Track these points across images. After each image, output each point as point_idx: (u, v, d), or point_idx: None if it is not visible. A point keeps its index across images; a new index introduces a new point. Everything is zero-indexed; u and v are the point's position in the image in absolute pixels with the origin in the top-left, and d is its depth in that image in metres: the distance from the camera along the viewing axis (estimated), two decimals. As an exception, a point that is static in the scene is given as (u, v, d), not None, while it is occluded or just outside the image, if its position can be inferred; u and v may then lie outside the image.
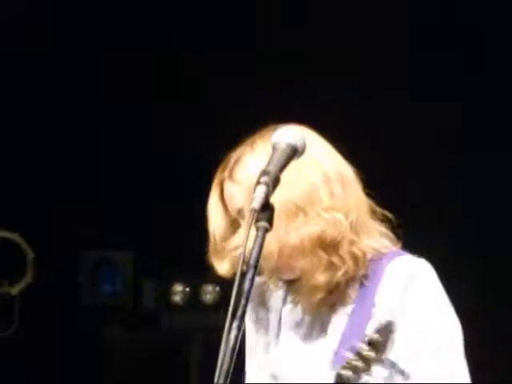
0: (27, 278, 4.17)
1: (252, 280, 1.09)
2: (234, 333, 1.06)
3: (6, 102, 4.14)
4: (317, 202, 1.29)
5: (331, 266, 1.27)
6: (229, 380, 1.06)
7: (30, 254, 4.17)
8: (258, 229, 1.11)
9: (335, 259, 1.26)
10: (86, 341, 4.20)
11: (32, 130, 4.17)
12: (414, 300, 1.27)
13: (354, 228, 1.30)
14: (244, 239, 1.08)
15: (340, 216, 1.29)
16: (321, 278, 1.28)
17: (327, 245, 1.28)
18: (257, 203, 1.10)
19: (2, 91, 4.06)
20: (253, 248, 1.10)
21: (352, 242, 1.29)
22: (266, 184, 1.12)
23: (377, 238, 1.33)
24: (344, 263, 1.28)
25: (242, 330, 1.07)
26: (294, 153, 1.18)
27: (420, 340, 1.25)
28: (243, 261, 1.08)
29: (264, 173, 1.13)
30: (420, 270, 1.30)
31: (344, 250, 1.28)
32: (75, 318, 4.22)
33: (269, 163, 1.16)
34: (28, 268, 4.18)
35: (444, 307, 1.29)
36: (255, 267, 1.10)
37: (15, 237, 4.17)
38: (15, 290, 4.18)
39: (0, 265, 4.17)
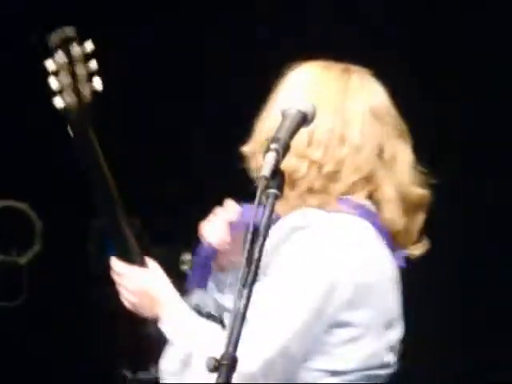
0: (35, 248, 4.19)
1: (262, 247, 1.09)
2: (243, 301, 1.06)
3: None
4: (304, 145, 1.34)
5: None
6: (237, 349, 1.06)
7: (39, 224, 4.19)
8: (268, 196, 1.11)
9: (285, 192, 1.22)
10: (94, 310, 4.23)
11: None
12: (286, 247, 1.30)
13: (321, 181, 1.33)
14: (255, 205, 1.08)
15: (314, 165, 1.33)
16: None
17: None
18: (267, 170, 1.10)
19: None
20: (263, 215, 1.10)
21: (309, 190, 1.33)
22: (277, 151, 1.12)
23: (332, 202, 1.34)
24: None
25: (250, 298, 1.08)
26: (304, 120, 1.18)
27: (266, 280, 1.27)
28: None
29: (274, 139, 1.13)
30: (307, 224, 1.31)
31: (295, 192, 1.33)
32: (84, 287, 4.25)
33: (279, 130, 1.16)
34: (36, 237, 4.20)
35: (308, 264, 1.29)
36: (265, 236, 1.10)
37: (23, 206, 4.19)
38: (23, 260, 4.21)
39: (8, 235, 4.20)
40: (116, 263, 1.47)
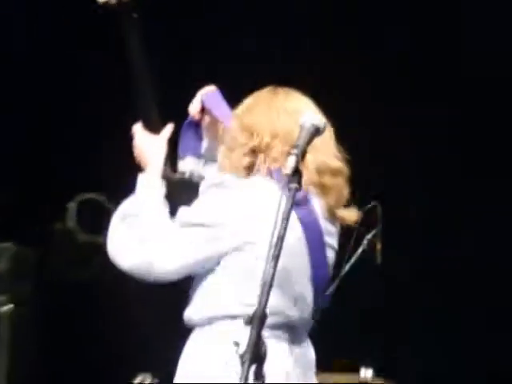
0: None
1: (285, 230, 1.43)
2: (271, 271, 1.40)
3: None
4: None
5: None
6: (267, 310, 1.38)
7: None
8: (289, 189, 1.47)
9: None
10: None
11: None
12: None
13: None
14: (279, 197, 1.46)
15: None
16: None
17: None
18: (289, 170, 1.47)
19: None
20: (286, 203, 1.45)
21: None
22: (296, 155, 1.49)
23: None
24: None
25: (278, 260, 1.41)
26: (317, 132, 1.55)
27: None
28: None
29: (295, 146, 1.50)
30: (214, 182, 1.84)
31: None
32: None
33: (298, 138, 1.53)
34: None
35: (198, 205, 1.81)
36: (287, 219, 1.44)
37: (102, 198, 4.57)
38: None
39: (89, 226, 4.57)
40: (138, 127, 1.97)
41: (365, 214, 2.00)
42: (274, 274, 1.40)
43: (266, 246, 1.45)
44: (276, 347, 1.71)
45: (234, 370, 1.41)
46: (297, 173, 1.47)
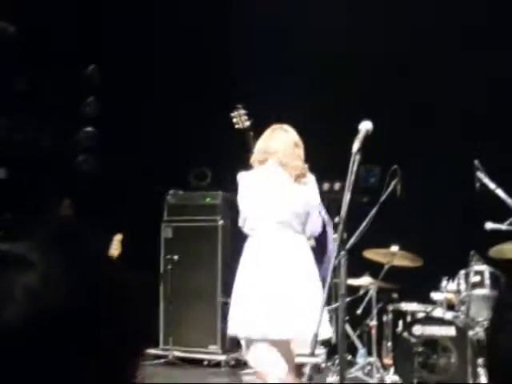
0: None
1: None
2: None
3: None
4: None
5: None
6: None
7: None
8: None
9: None
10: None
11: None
12: None
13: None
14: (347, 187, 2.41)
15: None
16: None
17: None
18: (355, 165, 2.45)
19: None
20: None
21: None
22: (359, 152, 2.46)
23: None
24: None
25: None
26: (368, 133, 2.53)
27: None
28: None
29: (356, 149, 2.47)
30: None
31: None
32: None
33: (356, 140, 2.51)
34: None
35: None
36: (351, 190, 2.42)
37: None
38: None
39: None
40: None
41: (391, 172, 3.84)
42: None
43: None
44: None
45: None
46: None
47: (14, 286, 0.67)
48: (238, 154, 4.91)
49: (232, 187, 7.05)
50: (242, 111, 4.80)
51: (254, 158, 4.26)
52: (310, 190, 4.20)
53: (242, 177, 4.27)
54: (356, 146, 2.83)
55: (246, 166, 4.31)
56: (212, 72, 7.78)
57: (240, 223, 4.28)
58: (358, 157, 2.83)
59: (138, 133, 7.81)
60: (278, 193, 4.12)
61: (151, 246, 7.52)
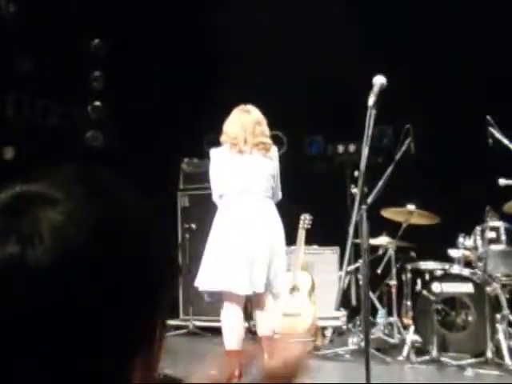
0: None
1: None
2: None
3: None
4: None
5: None
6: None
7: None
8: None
9: None
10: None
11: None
12: None
13: None
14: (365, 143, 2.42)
15: None
16: None
17: None
18: (372, 119, 2.45)
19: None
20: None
21: None
22: (374, 106, 2.45)
23: None
24: None
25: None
26: (382, 87, 2.53)
27: None
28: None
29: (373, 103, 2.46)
30: None
31: None
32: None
33: (371, 94, 2.50)
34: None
35: None
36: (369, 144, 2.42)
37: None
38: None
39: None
40: None
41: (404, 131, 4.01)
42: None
43: None
44: None
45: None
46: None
47: (39, 223, 0.67)
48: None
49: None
50: (308, 217, 6.16)
51: (223, 139, 4.85)
52: (274, 162, 4.86)
53: (215, 153, 4.85)
54: (371, 100, 2.84)
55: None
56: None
57: (214, 195, 4.85)
58: (373, 111, 2.83)
59: (150, 102, 7.78)
60: (248, 166, 4.73)
61: (169, 215, 7.53)
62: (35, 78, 7.44)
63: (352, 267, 6.50)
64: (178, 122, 7.75)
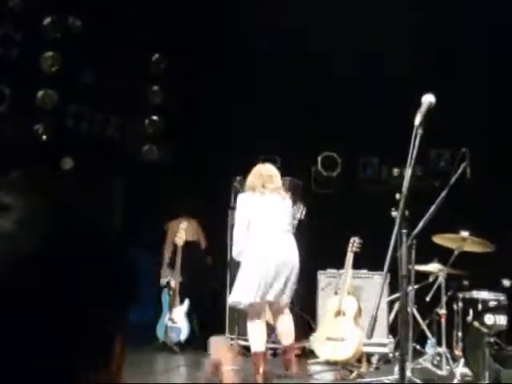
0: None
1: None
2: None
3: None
4: None
5: None
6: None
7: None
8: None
9: None
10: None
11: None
12: None
13: None
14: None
15: None
16: None
17: None
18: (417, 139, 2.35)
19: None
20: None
21: None
22: (421, 125, 2.36)
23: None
24: None
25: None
26: (430, 106, 2.42)
27: None
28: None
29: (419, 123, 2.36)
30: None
31: None
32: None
33: (418, 113, 2.40)
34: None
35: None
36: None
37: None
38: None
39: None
40: None
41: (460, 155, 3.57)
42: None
43: None
44: None
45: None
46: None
47: None
48: (305, 141, 4.84)
49: (300, 173, 6.99)
50: (358, 240, 6.20)
51: (245, 189, 5.81)
52: (288, 202, 5.85)
53: (240, 196, 5.83)
54: (418, 119, 2.66)
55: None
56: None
57: (237, 234, 5.72)
58: (420, 131, 2.68)
59: (206, 120, 7.80)
60: (273, 207, 5.68)
61: (219, 233, 7.51)
62: (95, 91, 7.54)
63: (395, 295, 6.32)
64: (233, 140, 7.75)
